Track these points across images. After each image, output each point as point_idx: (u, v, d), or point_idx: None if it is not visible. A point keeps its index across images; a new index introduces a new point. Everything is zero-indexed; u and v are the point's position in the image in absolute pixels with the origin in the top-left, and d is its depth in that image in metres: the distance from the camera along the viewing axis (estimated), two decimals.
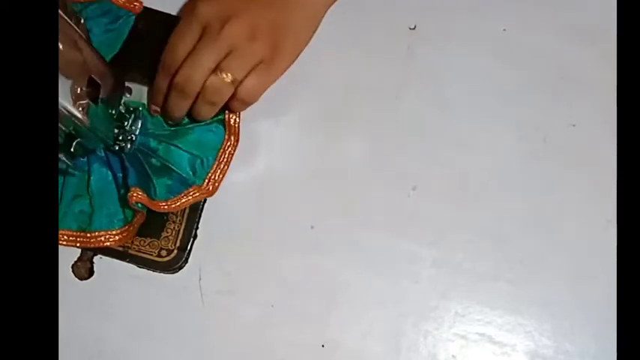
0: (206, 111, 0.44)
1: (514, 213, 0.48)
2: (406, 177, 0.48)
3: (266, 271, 0.47)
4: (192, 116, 0.45)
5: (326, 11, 0.46)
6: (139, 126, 0.47)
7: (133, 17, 0.47)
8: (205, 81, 0.41)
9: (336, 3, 0.48)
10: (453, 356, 0.46)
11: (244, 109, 0.44)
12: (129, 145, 0.46)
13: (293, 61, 0.44)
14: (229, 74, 0.41)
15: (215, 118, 0.46)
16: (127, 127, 0.46)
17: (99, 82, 0.41)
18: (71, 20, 0.38)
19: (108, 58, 0.45)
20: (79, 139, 0.41)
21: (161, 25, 0.45)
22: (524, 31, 0.50)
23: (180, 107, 0.44)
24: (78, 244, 0.46)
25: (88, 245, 0.46)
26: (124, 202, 0.45)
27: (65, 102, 0.37)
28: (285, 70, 0.44)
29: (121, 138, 0.46)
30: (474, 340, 0.46)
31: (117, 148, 0.46)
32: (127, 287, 0.47)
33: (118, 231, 0.46)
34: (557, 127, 0.49)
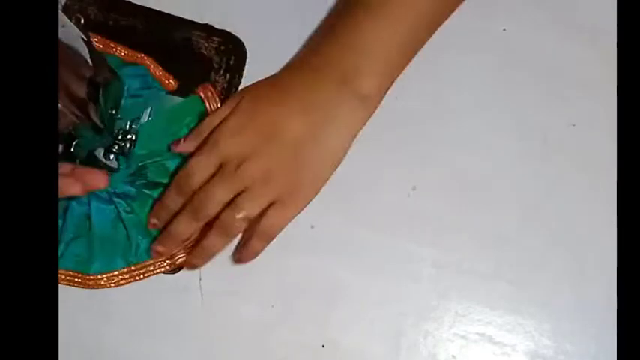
0: (217, 242, 0.44)
1: (514, 213, 0.48)
2: (406, 177, 0.48)
3: (266, 271, 0.47)
4: (200, 249, 0.46)
5: (351, 143, 0.45)
6: (139, 126, 0.47)
7: (164, 92, 0.48)
8: (219, 213, 0.43)
9: (336, 3, 0.48)
10: (453, 356, 0.46)
11: (264, 246, 0.45)
12: (128, 145, 0.46)
13: (313, 197, 0.44)
14: (242, 211, 0.43)
15: None
16: (127, 127, 0.46)
17: (99, 82, 0.41)
18: (71, 20, 0.38)
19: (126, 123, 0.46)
20: (79, 139, 0.41)
21: None
22: (524, 31, 0.50)
23: (187, 230, 0.44)
24: (75, 285, 0.46)
25: (87, 287, 0.46)
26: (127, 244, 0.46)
27: (65, 102, 0.37)
28: (303, 207, 0.44)
29: (120, 138, 0.46)
30: (474, 340, 0.46)
31: (116, 147, 0.46)
32: (127, 287, 0.47)
33: (117, 272, 0.46)
34: (557, 127, 0.49)
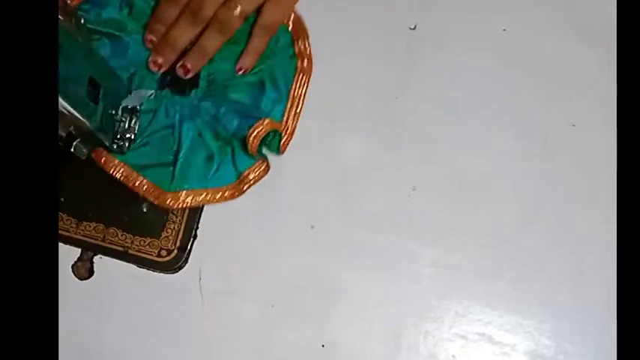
0: (213, 42, 0.45)
1: (514, 213, 0.48)
2: (406, 177, 0.48)
3: (266, 271, 0.47)
4: (198, 48, 0.45)
5: None
6: (138, 126, 0.47)
7: None
8: (216, 12, 0.43)
9: (336, 3, 0.48)
10: (453, 356, 0.46)
11: (266, 42, 0.45)
12: (127, 145, 0.46)
13: None
14: (239, 6, 0.43)
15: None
16: (127, 127, 0.46)
17: (99, 82, 0.41)
18: (71, 21, 0.38)
19: None
20: (79, 139, 0.41)
21: None
22: (524, 31, 0.50)
23: (186, 34, 0.44)
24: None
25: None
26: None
27: (65, 102, 0.37)
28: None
29: (119, 137, 0.46)
30: (474, 340, 0.46)
31: (115, 147, 0.46)
32: (127, 287, 0.47)
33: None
34: (557, 127, 0.49)
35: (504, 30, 0.50)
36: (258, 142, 0.45)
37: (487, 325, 0.47)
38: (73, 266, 0.48)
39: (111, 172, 0.46)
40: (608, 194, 0.47)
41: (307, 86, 0.48)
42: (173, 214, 0.48)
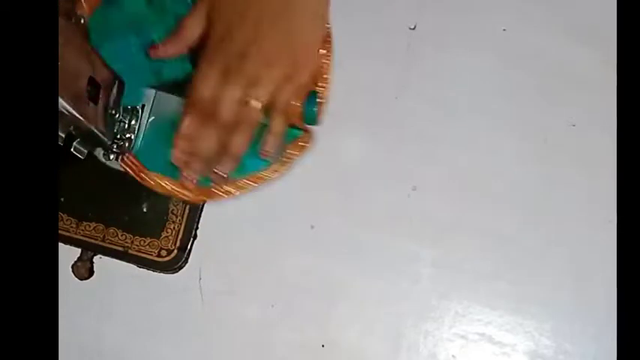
0: (240, 142, 0.45)
1: (514, 213, 0.48)
2: (406, 177, 0.48)
3: (266, 272, 0.47)
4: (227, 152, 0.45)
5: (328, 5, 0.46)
6: (138, 126, 0.47)
7: None
8: (236, 111, 0.44)
9: (336, 3, 0.48)
10: (453, 356, 0.46)
11: (284, 120, 0.45)
12: (127, 145, 0.46)
13: (314, 53, 0.45)
14: (254, 101, 0.43)
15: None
16: (127, 127, 0.46)
17: (99, 82, 0.41)
18: (71, 21, 0.38)
19: None
20: (79, 139, 0.41)
21: None
22: (524, 31, 0.50)
23: (211, 143, 0.44)
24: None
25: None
26: None
27: (65, 102, 0.37)
28: (311, 70, 0.45)
29: (119, 137, 0.46)
30: (474, 340, 0.46)
31: (115, 147, 0.46)
32: (127, 287, 0.47)
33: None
34: (557, 127, 0.49)
35: (504, 30, 0.50)
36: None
37: (487, 325, 0.47)
38: (73, 266, 0.48)
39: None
40: (608, 194, 0.47)
41: None
42: (173, 214, 0.48)
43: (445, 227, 0.48)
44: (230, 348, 0.47)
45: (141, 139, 0.47)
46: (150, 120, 0.47)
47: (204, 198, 0.46)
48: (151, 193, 0.48)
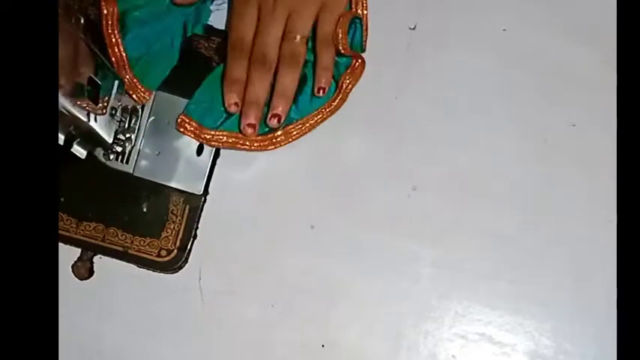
0: (290, 79, 0.45)
1: (514, 213, 0.48)
2: (406, 177, 0.48)
3: (266, 272, 0.47)
4: (279, 91, 0.45)
5: None
6: (138, 126, 0.47)
7: None
8: (280, 49, 0.44)
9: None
10: (453, 356, 0.46)
11: (331, 54, 0.45)
12: (127, 144, 0.46)
13: None
14: (297, 35, 0.44)
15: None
16: (126, 127, 0.46)
17: (99, 82, 0.41)
18: (71, 20, 0.38)
19: None
20: (79, 139, 0.41)
21: None
22: (524, 31, 0.50)
23: (263, 85, 0.44)
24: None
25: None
26: None
27: (65, 102, 0.37)
28: None
29: (119, 137, 0.46)
30: (474, 340, 0.46)
31: (115, 147, 0.46)
32: (127, 287, 0.47)
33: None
34: (557, 127, 0.49)
35: (504, 30, 0.50)
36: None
37: (487, 325, 0.47)
38: (73, 266, 0.48)
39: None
40: (608, 194, 0.47)
41: None
42: (173, 214, 0.48)
43: (445, 227, 0.48)
44: (230, 348, 0.47)
45: (141, 139, 0.47)
46: (150, 120, 0.48)
47: (267, 146, 0.46)
48: (150, 193, 0.48)
